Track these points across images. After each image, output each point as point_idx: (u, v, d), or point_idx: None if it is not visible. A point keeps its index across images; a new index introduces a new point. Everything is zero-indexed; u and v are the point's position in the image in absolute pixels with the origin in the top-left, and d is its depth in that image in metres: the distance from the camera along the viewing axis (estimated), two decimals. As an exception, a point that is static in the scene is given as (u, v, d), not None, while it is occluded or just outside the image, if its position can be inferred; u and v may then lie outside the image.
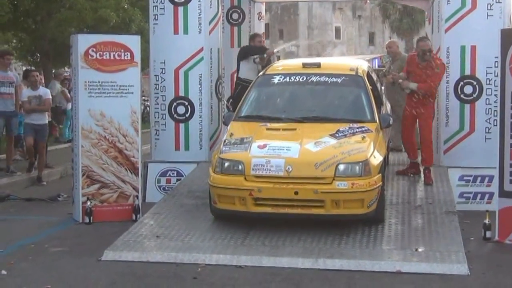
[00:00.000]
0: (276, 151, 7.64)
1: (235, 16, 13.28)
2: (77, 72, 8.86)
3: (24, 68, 16.83)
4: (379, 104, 9.10)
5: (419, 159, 9.70)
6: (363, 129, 8.12)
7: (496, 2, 9.65)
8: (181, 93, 10.39)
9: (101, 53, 8.85)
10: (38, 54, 21.94)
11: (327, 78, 8.88)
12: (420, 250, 7.03)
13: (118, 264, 6.94)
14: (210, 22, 10.50)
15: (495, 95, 8.93)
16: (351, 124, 8.19)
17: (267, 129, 8.32)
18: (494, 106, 9.27)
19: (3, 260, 7.17)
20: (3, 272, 6.70)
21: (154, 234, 7.66)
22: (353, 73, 9.02)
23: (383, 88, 12.13)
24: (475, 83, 9.71)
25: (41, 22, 19.16)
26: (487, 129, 9.66)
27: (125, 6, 19.63)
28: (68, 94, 15.62)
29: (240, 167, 7.56)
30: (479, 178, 9.54)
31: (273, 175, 7.45)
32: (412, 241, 7.31)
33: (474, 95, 9.73)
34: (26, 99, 12.14)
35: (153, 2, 10.43)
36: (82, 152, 8.83)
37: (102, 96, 8.86)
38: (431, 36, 10.84)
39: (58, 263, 7.08)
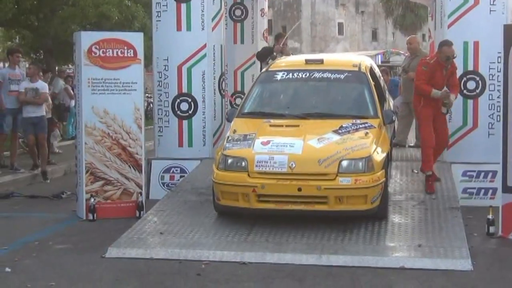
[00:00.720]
0: (280, 148, 7.65)
1: (238, 12, 13.28)
2: (80, 69, 8.88)
3: (27, 65, 16.80)
4: (382, 100, 9.09)
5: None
6: (366, 125, 8.12)
7: (499, -2, 9.64)
8: (184, 90, 10.40)
9: (104, 50, 8.87)
10: (41, 51, 21.96)
11: (330, 74, 8.87)
12: (423, 245, 7.03)
13: (122, 261, 6.95)
14: (213, 19, 10.49)
15: (498, 90, 8.91)
16: (354, 120, 8.18)
17: (270, 125, 8.32)
18: (497, 102, 9.24)
19: (8, 257, 7.20)
20: (7, 269, 6.72)
21: (158, 231, 7.67)
22: (356, 69, 9.02)
23: (400, 81, 12.05)
24: (478, 78, 9.70)
25: (44, 19, 19.16)
26: (490, 124, 9.64)
27: (128, 3, 19.65)
28: (72, 91, 15.64)
29: (243, 163, 7.57)
30: (482, 174, 9.53)
31: (276, 171, 7.45)
32: (416, 237, 7.31)
33: (477, 91, 9.72)
34: (22, 90, 12.10)
35: (156, -1, 10.44)
36: (85, 149, 8.85)
37: (105, 93, 8.88)
38: (433, 32, 10.83)
39: (62, 260, 7.09)
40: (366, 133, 7.93)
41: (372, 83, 8.84)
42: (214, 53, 10.53)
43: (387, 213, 7.91)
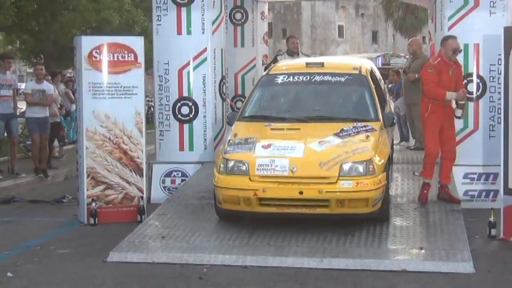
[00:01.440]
0: (281, 151, 7.65)
1: (238, 16, 13.27)
2: (81, 73, 8.88)
3: (27, 70, 16.84)
4: (383, 102, 9.09)
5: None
6: (367, 128, 8.12)
7: (499, 0, 9.63)
8: (185, 94, 10.40)
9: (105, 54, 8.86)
10: (41, 55, 21.98)
11: (330, 77, 8.88)
12: (425, 248, 7.03)
13: (124, 265, 6.95)
14: (213, 22, 10.50)
15: (499, 92, 8.90)
16: (355, 123, 8.18)
17: (271, 129, 8.32)
18: (498, 104, 9.23)
19: (9, 261, 7.20)
20: (9, 274, 6.72)
21: (159, 235, 7.67)
22: (357, 72, 9.02)
23: (402, 83, 12.06)
24: (478, 81, 9.70)
25: (44, 24, 19.19)
26: (491, 126, 9.63)
27: (128, 8, 19.67)
28: (72, 96, 15.65)
29: (244, 167, 7.56)
30: (483, 176, 9.52)
31: (277, 175, 7.45)
32: (417, 240, 7.31)
33: (478, 93, 9.72)
34: (29, 92, 12.16)
35: (156, 3, 10.43)
36: (86, 153, 8.85)
37: (106, 98, 8.88)
38: (434, 34, 10.83)
39: (63, 264, 7.09)
40: (367, 136, 7.93)
41: (373, 86, 8.84)
42: (214, 57, 10.53)
43: (389, 216, 7.91)
